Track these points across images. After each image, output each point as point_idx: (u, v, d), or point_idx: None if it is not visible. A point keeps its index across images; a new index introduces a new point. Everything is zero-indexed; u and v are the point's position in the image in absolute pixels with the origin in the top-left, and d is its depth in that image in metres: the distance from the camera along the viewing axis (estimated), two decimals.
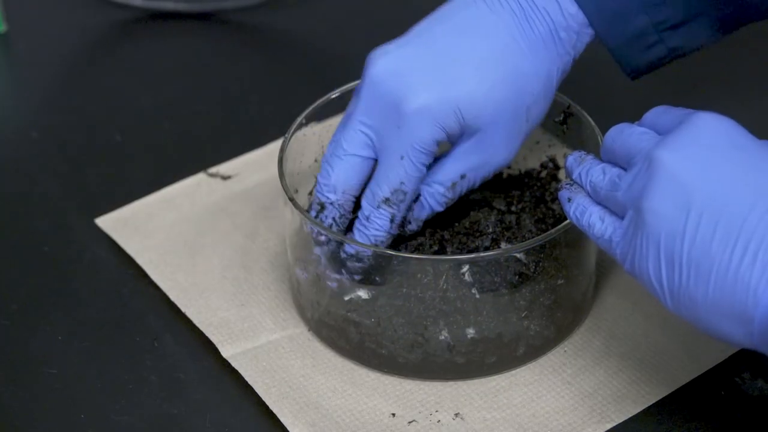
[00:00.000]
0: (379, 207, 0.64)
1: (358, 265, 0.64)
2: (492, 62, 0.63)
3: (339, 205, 0.65)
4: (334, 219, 0.65)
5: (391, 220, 0.64)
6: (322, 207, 0.65)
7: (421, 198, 0.65)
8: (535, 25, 0.64)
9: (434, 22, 0.64)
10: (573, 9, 0.64)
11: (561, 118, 0.70)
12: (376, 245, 0.65)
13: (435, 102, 0.62)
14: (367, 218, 0.64)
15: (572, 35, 0.64)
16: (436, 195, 0.65)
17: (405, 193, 0.64)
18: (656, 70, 0.67)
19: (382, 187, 0.64)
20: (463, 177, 0.65)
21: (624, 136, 0.58)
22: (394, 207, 0.64)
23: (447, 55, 0.63)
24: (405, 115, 0.62)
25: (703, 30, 0.65)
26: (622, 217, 0.57)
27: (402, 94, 0.62)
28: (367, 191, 0.65)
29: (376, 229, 0.64)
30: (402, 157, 0.63)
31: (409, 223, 0.66)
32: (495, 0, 0.64)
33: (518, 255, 0.63)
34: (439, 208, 0.66)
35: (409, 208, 0.66)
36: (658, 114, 0.59)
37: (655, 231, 0.54)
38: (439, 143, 0.63)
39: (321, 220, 0.65)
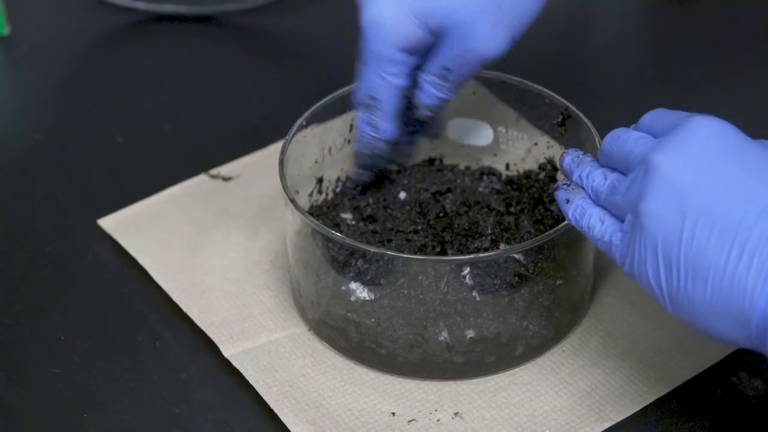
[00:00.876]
0: (359, 108, 0.66)
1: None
2: None
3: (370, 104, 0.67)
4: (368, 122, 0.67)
5: (370, 124, 0.66)
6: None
7: (419, 91, 0.66)
8: None
9: None
10: None
11: (559, 120, 0.70)
12: (384, 245, 0.65)
13: (387, 13, 0.63)
14: (353, 122, 0.67)
15: None
16: (431, 82, 0.66)
17: (375, 99, 0.65)
18: None
19: (358, 92, 0.66)
20: (448, 70, 0.65)
21: (621, 141, 0.58)
22: (372, 112, 0.66)
23: None
24: (362, 25, 0.64)
25: None
26: (621, 220, 0.57)
27: (362, 4, 0.64)
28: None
29: (360, 132, 0.67)
30: (365, 64, 0.65)
31: (417, 108, 0.67)
32: None
33: (517, 256, 0.64)
34: (440, 94, 0.66)
35: (409, 107, 0.67)
36: (655, 117, 0.59)
37: (653, 235, 0.54)
38: (409, 48, 0.64)
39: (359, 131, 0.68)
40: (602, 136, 0.61)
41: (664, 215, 0.54)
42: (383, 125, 0.67)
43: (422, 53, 0.65)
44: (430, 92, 0.66)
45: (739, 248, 0.51)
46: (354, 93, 0.67)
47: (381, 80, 0.65)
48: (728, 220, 0.52)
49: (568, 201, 0.60)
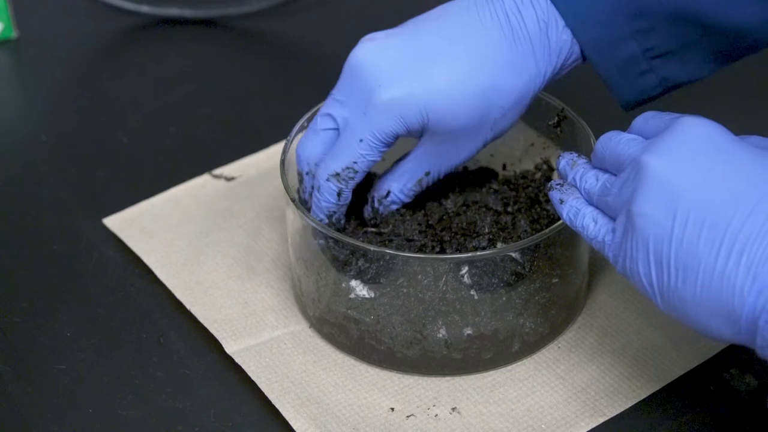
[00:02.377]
0: (328, 180, 0.66)
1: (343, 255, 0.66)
2: (470, 73, 0.63)
3: (313, 175, 0.67)
4: (312, 188, 0.67)
5: (338, 194, 0.66)
6: (301, 177, 0.67)
7: (391, 194, 0.68)
8: (520, 44, 0.63)
9: (426, 21, 0.65)
10: (565, 35, 0.64)
11: (555, 122, 0.70)
12: (385, 245, 0.66)
13: (403, 99, 0.63)
14: (318, 189, 0.66)
15: (560, 56, 0.64)
16: (405, 190, 0.68)
17: (356, 172, 0.65)
18: (650, 101, 0.66)
19: (335, 162, 0.65)
20: (427, 174, 0.67)
21: (613, 143, 0.59)
22: (343, 183, 0.66)
23: (428, 56, 0.63)
24: (373, 104, 0.63)
25: (696, 61, 0.65)
26: (614, 220, 0.58)
27: (375, 84, 0.63)
28: (321, 163, 0.66)
29: (326, 201, 0.66)
30: (361, 141, 0.64)
31: (378, 211, 0.69)
32: (486, 13, 0.64)
33: (514, 255, 0.64)
34: (407, 200, 0.69)
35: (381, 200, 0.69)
36: (646, 119, 0.59)
37: (644, 234, 0.54)
38: (399, 136, 0.65)
39: (303, 189, 0.68)
40: (597, 137, 0.61)
41: (654, 215, 0.54)
42: (347, 194, 0.67)
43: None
44: (400, 198, 0.68)
45: (729, 247, 0.52)
46: (324, 164, 0.66)
47: (370, 155, 0.65)
48: (718, 220, 0.52)
49: (562, 201, 0.61)
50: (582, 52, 0.65)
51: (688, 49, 0.64)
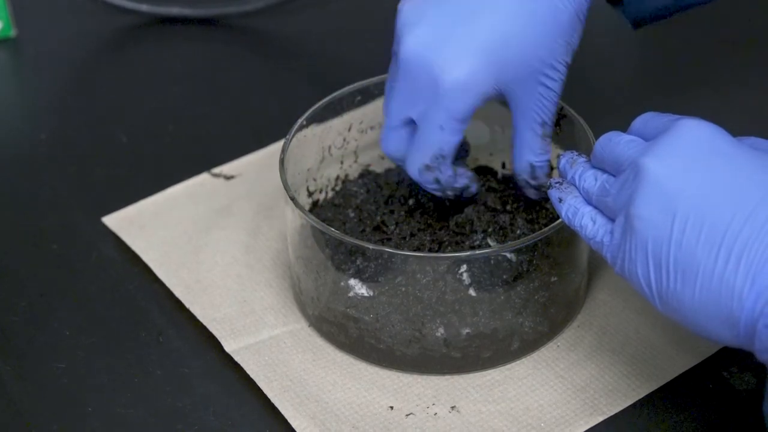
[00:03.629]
0: (420, 173, 0.65)
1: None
2: (517, 17, 0.62)
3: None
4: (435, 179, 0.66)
5: (437, 181, 0.66)
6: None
7: (534, 163, 0.65)
8: None
9: None
10: None
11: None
12: (383, 243, 0.66)
13: (470, 75, 0.62)
14: (417, 179, 0.66)
15: None
16: (538, 151, 0.65)
17: (444, 157, 0.65)
18: (662, 18, 0.64)
19: (422, 155, 0.65)
20: (543, 124, 0.65)
21: (612, 143, 0.59)
22: (436, 171, 0.65)
23: (475, 19, 0.62)
24: (442, 88, 0.62)
25: None
26: (612, 220, 0.58)
27: (438, 68, 0.62)
28: (408, 159, 0.65)
29: (430, 188, 0.66)
30: (442, 128, 0.63)
31: (549, 186, 0.64)
32: None
33: (513, 253, 0.64)
34: (549, 157, 0.66)
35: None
36: (646, 121, 0.59)
37: (643, 236, 0.54)
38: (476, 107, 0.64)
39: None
40: (597, 136, 0.61)
41: (654, 218, 0.54)
42: (446, 176, 0.66)
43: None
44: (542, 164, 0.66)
45: (728, 250, 0.52)
46: (411, 160, 0.65)
47: (454, 138, 0.64)
48: (717, 223, 0.52)
49: (560, 200, 0.61)
50: None
51: None
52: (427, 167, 0.65)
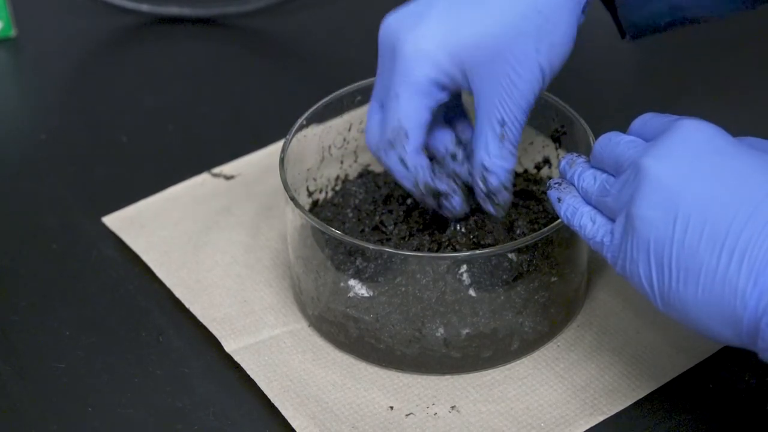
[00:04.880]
0: (386, 153, 0.64)
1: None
2: (495, 7, 0.61)
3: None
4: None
5: (402, 162, 0.64)
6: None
7: (486, 165, 0.63)
8: None
9: None
10: None
11: (555, 134, 0.71)
12: (383, 243, 0.66)
13: (427, 45, 0.62)
14: (385, 165, 0.65)
15: None
16: (494, 152, 0.63)
17: (405, 133, 0.63)
18: (656, 32, 0.64)
19: (384, 131, 0.64)
20: (502, 123, 0.63)
21: (612, 144, 0.59)
22: (400, 148, 0.63)
23: (450, 6, 0.62)
24: (399, 56, 0.62)
25: None
26: (612, 220, 0.58)
27: (397, 37, 0.62)
28: (378, 141, 0.64)
29: (398, 174, 0.64)
30: (398, 96, 0.63)
31: (497, 199, 0.64)
32: None
33: (513, 253, 0.64)
34: (508, 164, 0.63)
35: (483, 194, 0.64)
36: (645, 121, 0.59)
37: (645, 237, 0.54)
38: (440, 86, 0.63)
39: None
40: (597, 136, 0.61)
41: (655, 218, 0.54)
42: (413, 160, 0.64)
43: (450, 92, 0.64)
44: (498, 174, 0.64)
45: (730, 250, 0.52)
46: (375, 131, 0.64)
47: (412, 110, 0.62)
48: (719, 222, 0.52)
49: (559, 200, 0.61)
50: None
51: None
52: (390, 144, 0.63)
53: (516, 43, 0.61)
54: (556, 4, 0.61)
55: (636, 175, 0.55)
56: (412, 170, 0.64)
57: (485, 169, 0.64)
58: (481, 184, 0.64)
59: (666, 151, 0.55)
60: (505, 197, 0.65)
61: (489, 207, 0.65)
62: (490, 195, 0.64)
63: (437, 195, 0.65)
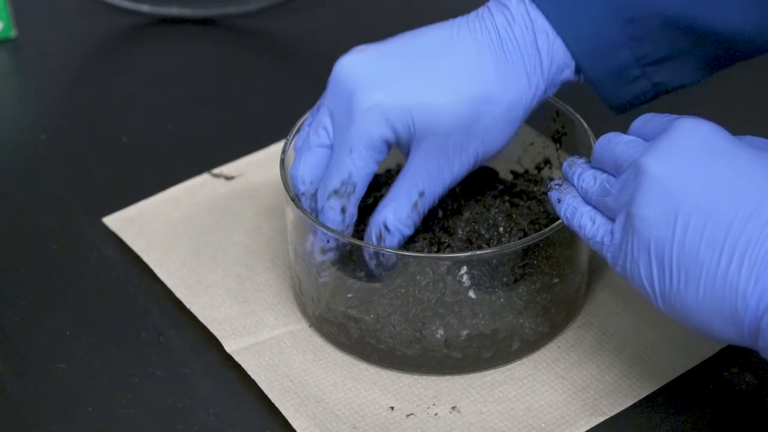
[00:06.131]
0: (329, 198, 0.64)
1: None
2: (457, 81, 0.62)
3: (310, 195, 0.65)
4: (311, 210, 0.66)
5: (342, 211, 0.64)
6: (297, 198, 0.66)
7: (390, 225, 0.65)
8: (510, 55, 0.63)
9: (415, 35, 0.64)
10: (556, 45, 0.63)
11: (555, 135, 0.71)
12: (380, 246, 0.66)
13: (387, 102, 0.62)
14: (321, 210, 0.65)
15: (552, 68, 0.64)
16: (402, 218, 0.64)
17: (354, 186, 0.64)
18: (641, 105, 0.66)
19: (332, 179, 0.64)
20: (422, 195, 0.64)
21: (612, 144, 0.59)
22: (344, 198, 0.64)
23: (414, 64, 0.63)
24: (356, 110, 0.62)
25: (688, 67, 0.64)
26: (612, 220, 0.58)
27: (357, 90, 0.62)
28: (321, 183, 0.65)
29: (330, 221, 0.65)
30: (351, 151, 0.63)
31: (381, 257, 0.65)
32: (477, 28, 0.63)
33: (513, 255, 0.64)
34: (408, 231, 0.65)
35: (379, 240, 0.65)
36: (645, 121, 0.59)
37: (645, 237, 0.55)
38: (388, 144, 0.63)
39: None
40: (597, 137, 0.61)
41: (655, 218, 0.54)
42: (351, 211, 0.65)
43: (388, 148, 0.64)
44: (399, 228, 0.64)
45: (731, 249, 0.52)
46: (323, 184, 0.64)
47: (363, 166, 0.63)
48: (719, 222, 0.52)
49: (559, 200, 0.61)
50: (576, 63, 0.64)
51: (681, 55, 0.64)
52: (336, 192, 0.64)
53: (464, 133, 0.63)
54: (506, 108, 0.63)
55: (636, 175, 0.55)
56: (348, 220, 0.65)
57: (386, 228, 0.65)
58: (374, 239, 0.65)
59: (666, 151, 0.55)
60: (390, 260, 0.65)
61: (371, 264, 0.65)
62: (378, 253, 0.65)
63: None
